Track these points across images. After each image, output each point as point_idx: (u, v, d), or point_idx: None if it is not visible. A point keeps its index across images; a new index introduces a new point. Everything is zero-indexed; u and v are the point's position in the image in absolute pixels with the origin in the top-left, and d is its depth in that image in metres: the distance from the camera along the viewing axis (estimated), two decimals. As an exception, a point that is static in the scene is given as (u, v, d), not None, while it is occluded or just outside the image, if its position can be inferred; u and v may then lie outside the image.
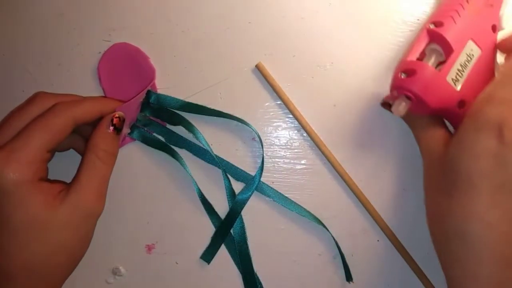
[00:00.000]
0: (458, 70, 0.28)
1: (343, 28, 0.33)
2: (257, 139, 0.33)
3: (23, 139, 0.26)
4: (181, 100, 0.33)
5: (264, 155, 0.33)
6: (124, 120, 0.30)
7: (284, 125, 0.33)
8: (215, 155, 0.33)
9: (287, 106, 0.32)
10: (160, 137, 0.33)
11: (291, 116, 0.33)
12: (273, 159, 0.33)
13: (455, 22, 0.28)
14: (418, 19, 0.33)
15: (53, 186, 0.27)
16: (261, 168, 0.32)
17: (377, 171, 0.33)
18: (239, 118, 0.33)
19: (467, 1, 0.29)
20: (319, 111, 0.33)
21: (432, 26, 0.29)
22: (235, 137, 0.33)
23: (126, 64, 0.33)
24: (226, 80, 0.33)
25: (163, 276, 0.34)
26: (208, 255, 0.33)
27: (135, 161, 0.34)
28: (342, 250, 0.32)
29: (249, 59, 0.33)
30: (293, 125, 0.33)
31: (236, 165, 0.33)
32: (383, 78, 0.33)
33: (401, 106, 0.29)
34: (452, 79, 0.28)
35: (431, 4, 0.33)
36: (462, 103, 0.28)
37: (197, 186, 0.33)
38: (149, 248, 0.33)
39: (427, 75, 0.27)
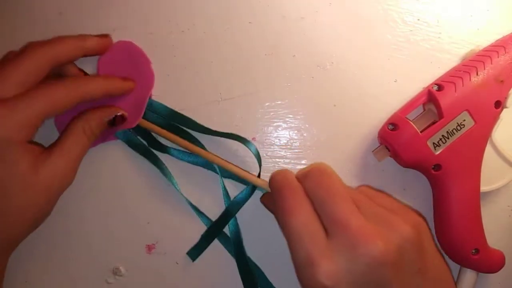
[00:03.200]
0: (443, 136, 0.29)
1: (343, 28, 0.33)
2: (257, 139, 0.33)
3: (26, 102, 0.26)
4: (172, 110, 0.33)
5: (264, 155, 0.33)
6: (125, 119, 0.31)
7: (284, 125, 0.33)
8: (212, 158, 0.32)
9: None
10: (143, 141, 0.33)
11: (291, 116, 0.33)
12: (273, 159, 0.33)
13: (455, 90, 0.29)
14: (418, 19, 0.33)
15: (37, 148, 0.28)
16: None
17: (377, 170, 0.33)
18: (231, 134, 0.32)
19: (477, 73, 0.29)
20: (319, 111, 0.33)
21: (434, 88, 0.30)
22: (235, 137, 0.33)
23: (126, 63, 0.33)
24: (226, 79, 0.33)
25: (163, 276, 0.33)
26: (194, 253, 0.33)
27: (136, 161, 0.33)
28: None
29: (249, 59, 0.33)
30: (293, 125, 0.33)
31: (236, 165, 0.33)
32: (383, 78, 0.33)
33: (381, 153, 0.31)
34: (434, 143, 0.29)
35: (430, 4, 0.33)
36: (437, 167, 0.30)
37: (180, 192, 0.32)
38: (149, 248, 0.33)
39: (407, 134, 0.29)
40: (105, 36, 0.32)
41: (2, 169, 0.26)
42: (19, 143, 0.26)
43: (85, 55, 0.31)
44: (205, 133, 0.32)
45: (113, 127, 0.31)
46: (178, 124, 0.33)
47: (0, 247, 0.28)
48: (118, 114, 0.30)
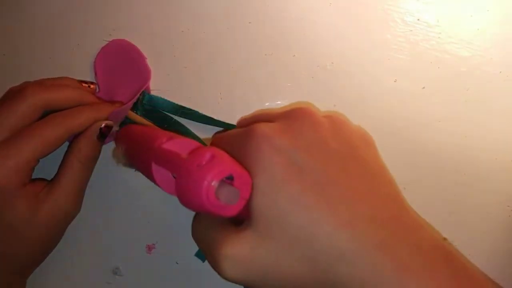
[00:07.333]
0: None
1: (343, 28, 0.33)
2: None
3: (17, 147, 0.27)
4: (175, 103, 0.33)
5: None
6: (111, 127, 0.30)
7: (284, 125, 0.33)
8: None
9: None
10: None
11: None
12: (273, 159, 0.33)
13: None
14: (418, 19, 0.33)
15: (35, 186, 0.28)
16: None
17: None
18: (233, 125, 0.32)
19: None
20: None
21: None
22: (235, 137, 0.33)
23: (122, 61, 0.33)
24: (226, 79, 0.33)
25: (163, 276, 0.33)
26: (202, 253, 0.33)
27: (135, 161, 0.34)
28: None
29: (249, 59, 0.33)
30: (293, 125, 0.33)
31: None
32: (383, 78, 0.33)
33: None
34: None
35: (430, 4, 0.33)
36: None
37: None
38: (149, 248, 0.33)
39: None
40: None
41: (2, 215, 0.27)
42: (15, 188, 0.27)
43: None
44: (207, 123, 0.33)
45: (103, 139, 0.30)
46: (180, 116, 0.33)
47: (13, 275, 0.29)
48: (102, 126, 0.30)
